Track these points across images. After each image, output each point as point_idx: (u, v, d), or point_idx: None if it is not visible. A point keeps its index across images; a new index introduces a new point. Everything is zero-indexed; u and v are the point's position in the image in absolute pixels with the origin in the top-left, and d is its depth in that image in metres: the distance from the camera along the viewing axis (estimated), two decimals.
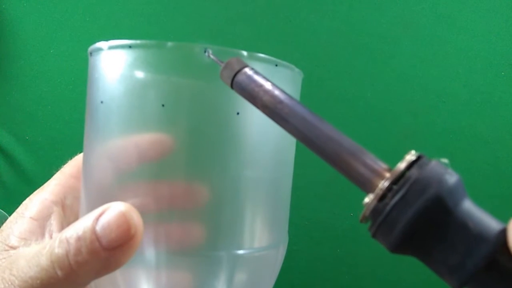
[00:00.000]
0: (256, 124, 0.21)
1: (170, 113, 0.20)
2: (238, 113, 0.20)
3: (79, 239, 0.19)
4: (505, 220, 0.16)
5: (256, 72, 0.19)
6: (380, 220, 0.16)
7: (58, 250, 0.19)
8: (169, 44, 0.20)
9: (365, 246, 0.61)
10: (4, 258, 0.21)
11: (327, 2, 0.63)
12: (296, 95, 0.24)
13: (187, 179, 0.21)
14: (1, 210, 0.64)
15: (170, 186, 0.21)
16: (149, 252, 0.20)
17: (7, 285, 0.20)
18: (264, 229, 0.23)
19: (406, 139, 0.62)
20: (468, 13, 0.61)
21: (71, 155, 0.70)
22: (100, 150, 0.22)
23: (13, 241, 0.22)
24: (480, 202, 0.16)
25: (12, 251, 0.21)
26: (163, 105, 0.20)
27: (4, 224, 0.23)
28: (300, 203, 0.60)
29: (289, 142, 0.24)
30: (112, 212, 0.19)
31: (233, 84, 0.19)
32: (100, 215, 0.19)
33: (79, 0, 0.65)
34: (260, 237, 0.22)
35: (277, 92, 0.18)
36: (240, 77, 0.19)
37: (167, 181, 0.21)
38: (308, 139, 0.18)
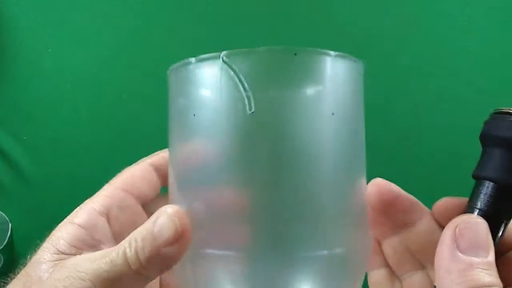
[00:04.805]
0: (348, 123, 0.23)
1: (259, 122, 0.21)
2: (333, 113, 0.22)
3: (143, 239, 0.22)
4: None
5: None
6: None
7: (128, 250, 0.22)
8: (261, 49, 0.21)
9: None
10: (57, 260, 0.24)
11: (327, 2, 0.63)
12: (361, 89, 0.25)
13: (239, 184, 0.22)
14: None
15: (223, 192, 0.22)
16: (207, 251, 0.22)
17: (73, 280, 0.22)
18: (337, 232, 0.23)
19: (406, 139, 0.62)
20: (470, 12, 0.61)
21: (69, 156, 0.69)
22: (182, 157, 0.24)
23: (64, 247, 0.24)
24: None
25: (63, 256, 0.24)
26: (252, 112, 0.21)
27: (55, 230, 0.26)
28: None
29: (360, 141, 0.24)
30: (164, 215, 0.23)
31: None
32: (157, 218, 0.23)
33: (78, 0, 0.65)
34: (337, 239, 0.23)
35: None
36: None
37: (220, 186, 0.22)
38: None
